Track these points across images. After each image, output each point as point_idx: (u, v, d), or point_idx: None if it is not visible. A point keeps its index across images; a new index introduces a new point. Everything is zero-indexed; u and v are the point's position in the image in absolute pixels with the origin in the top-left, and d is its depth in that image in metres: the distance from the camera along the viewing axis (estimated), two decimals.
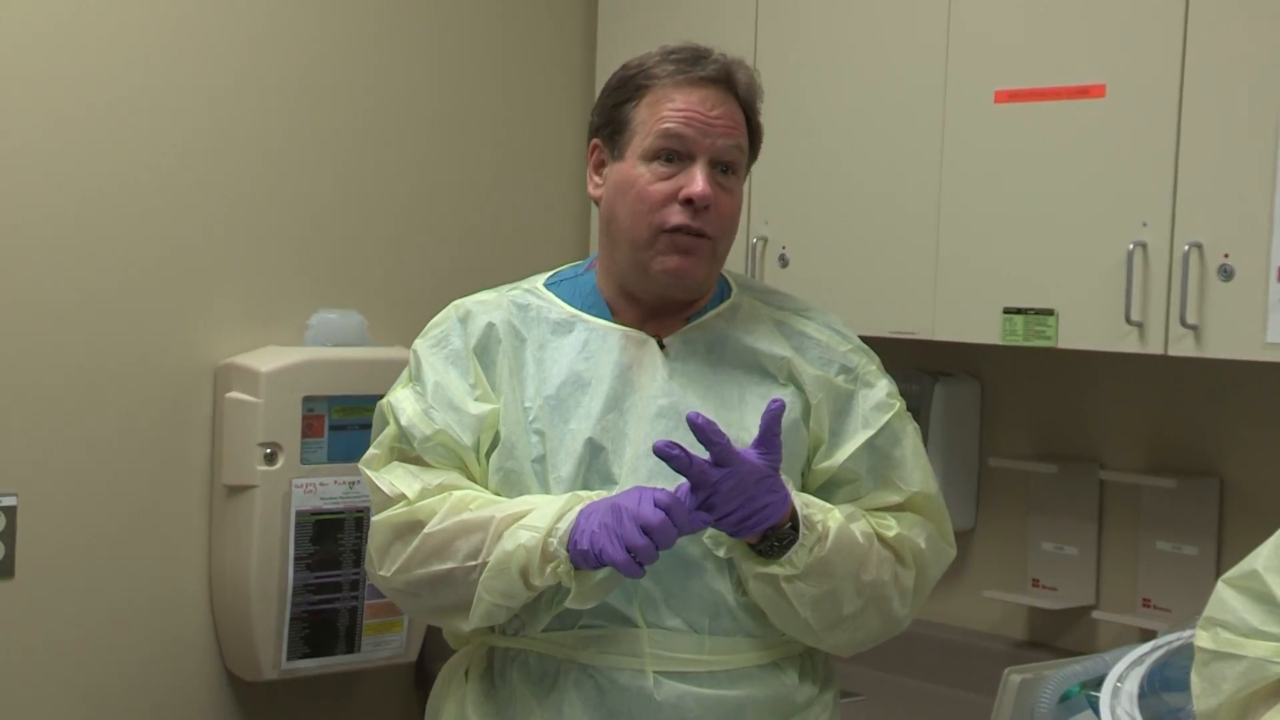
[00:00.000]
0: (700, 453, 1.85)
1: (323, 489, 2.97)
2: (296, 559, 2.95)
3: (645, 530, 1.79)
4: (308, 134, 3.14)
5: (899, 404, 2.09)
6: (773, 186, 3.06)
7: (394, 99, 3.26)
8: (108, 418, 2.91)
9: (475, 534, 1.90)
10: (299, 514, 2.94)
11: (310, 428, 2.96)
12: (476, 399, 2.00)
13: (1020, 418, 3.12)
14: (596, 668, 1.93)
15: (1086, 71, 2.58)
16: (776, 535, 1.89)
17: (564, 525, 1.85)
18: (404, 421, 2.00)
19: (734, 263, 3.12)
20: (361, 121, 3.21)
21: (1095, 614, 2.94)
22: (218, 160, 3.02)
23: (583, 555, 1.82)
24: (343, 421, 2.99)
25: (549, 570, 1.85)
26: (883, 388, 2.08)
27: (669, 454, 1.79)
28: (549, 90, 3.48)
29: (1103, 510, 2.97)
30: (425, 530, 1.93)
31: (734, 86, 2.03)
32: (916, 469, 2.06)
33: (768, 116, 3.12)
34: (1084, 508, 2.98)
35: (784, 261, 3.07)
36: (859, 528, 1.97)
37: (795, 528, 1.90)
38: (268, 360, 2.95)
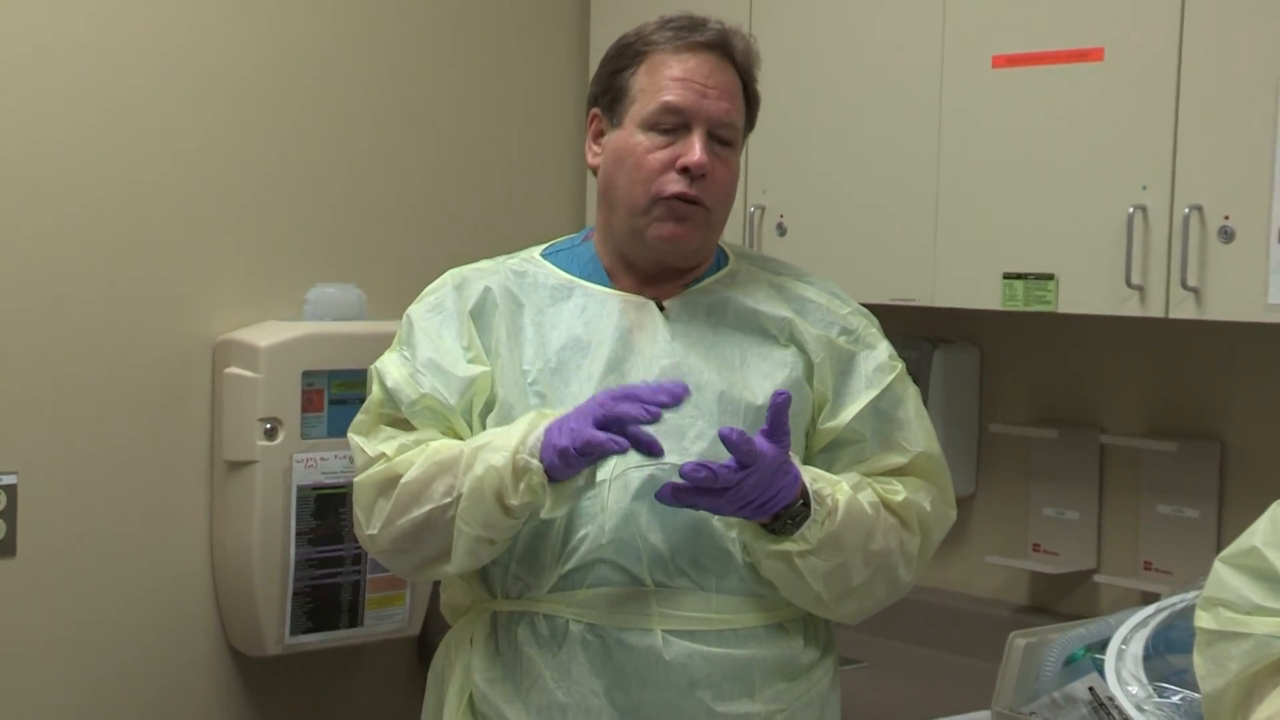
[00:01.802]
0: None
1: (323, 463, 2.96)
2: (298, 534, 2.95)
3: (621, 398, 1.80)
4: (304, 110, 3.13)
5: (900, 366, 2.10)
6: (770, 155, 3.06)
7: (390, 74, 3.24)
8: (108, 395, 2.90)
9: (447, 472, 1.91)
10: (300, 489, 2.94)
11: (310, 402, 2.95)
12: (469, 361, 2.00)
13: (1020, 383, 3.12)
14: (604, 627, 1.93)
15: (1084, 35, 2.58)
16: (789, 513, 1.91)
17: (532, 439, 1.85)
18: (390, 384, 2.01)
19: (732, 231, 3.11)
20: (357, 96, 3.20)
21: (1097, 578, 2.94)
22: (216, 138, 3.01)
23: (562, 455, 1.82)
24: (342, 396, 2.99)
25: (523, 486, 1.85)
26: (884, 349, 2.10)
27: (697, 477, 1.81)
28: (543, 63, 3.46)
29: (1103, 474, 2.98)
30: (402, 480, 1.94)
31: (731, 53, 2.05)
32: (920, 430, 2.08)
33: (765, 85, 3.10)
34: (1084, 472, 2.99)
35: (782, 230, 3.06)
36: (866, 498, 1.98)
37: (806, 504, 1.91)
38: (266, 335, 2.94)
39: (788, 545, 1.91)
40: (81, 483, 2.88)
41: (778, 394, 1.86)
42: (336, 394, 2.99)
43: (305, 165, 3.13)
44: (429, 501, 1.92)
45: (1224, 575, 1.68)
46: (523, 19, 3.44)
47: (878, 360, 2.08)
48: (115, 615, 2.94)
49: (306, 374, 2.95)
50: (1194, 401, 2.86)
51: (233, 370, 2.95)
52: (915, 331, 3.15)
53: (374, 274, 3.19)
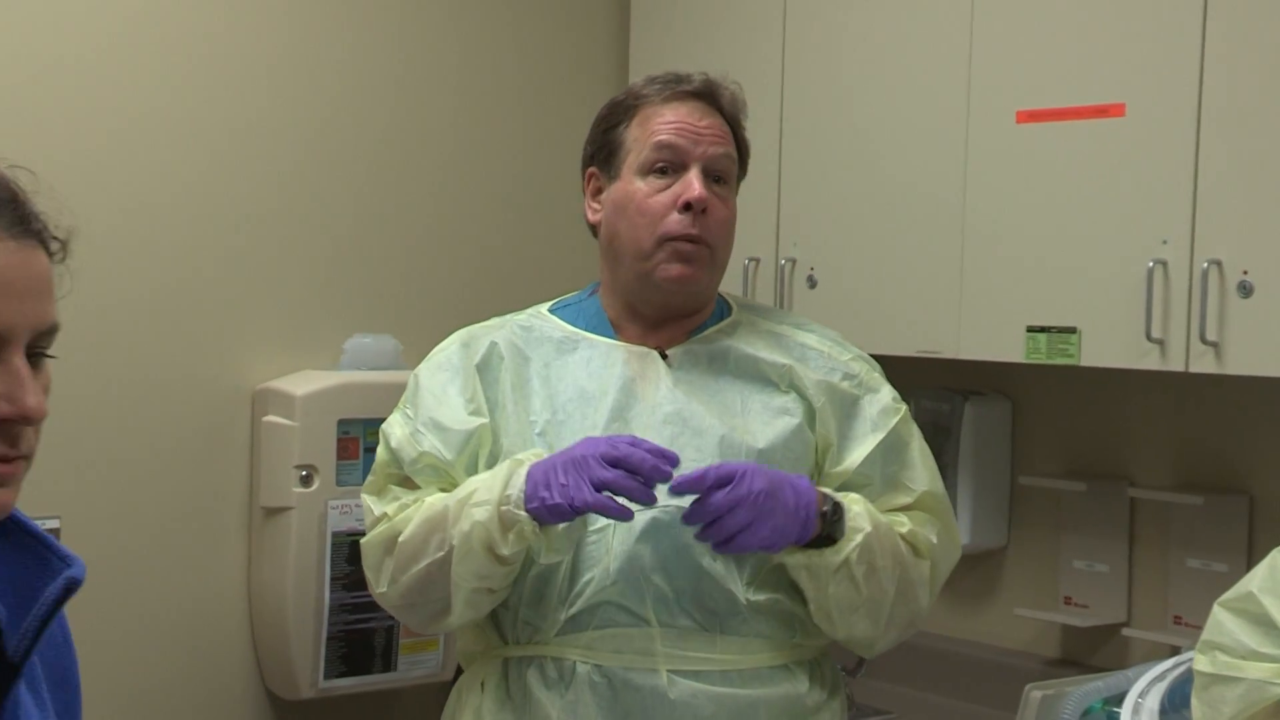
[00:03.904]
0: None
1: (358, 510, 2.99)
2: (333, 579, 2.99)
3: (614, 463, 1.86)
4: (342, 160, 3.19)
5: (904, 408, 2.15)
6: (801, 207, 3.10)
7: (427, 125, 3.31)
8: (148, 441, 2.97)
9: (438, 528, 1.97)
10: (335, 534, 2.99)
11: (345, 450, 3.01)
12: (470, 414, 2.05)
13: (1051, 436, 3.12)
14: (610, 668, 1.97)
15: (1106, 91, 2.60)
16: (827, 521, 1.96)
17: (514, 490, 1.90)
18: (393, 444, 2.09)
19: (764, 282, 3.16)
20: (394, 146, 3.26)
21: (1126, 631, 2.94)
22: (254, 187, 3.08)
23: (550, 510, 1.88)
24: (377, 444, 3.03)
25: (512, 537, 1.90)
26: (887, 393, 2.15)
27: (689, 480, 1.88)
28: (580, 114, 3.51)
29: (1133, 527, 2.98)
30: (400, 539, 2.01)
31: (718, 100, 2.12)
32: (925, 469, 2.13)
33: (796, 139, 3.17)
34: (1114, 525, 2.99)
35: (812, 282, 3.09)
36: (876, 511, 2.04)
37: (833, 506, 1.97)
38: (303, 384, 3.00)
39: (838, 549, 1.95)
40: (123, 527, 2.94)
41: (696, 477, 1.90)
42: (371, 442, 3.04)
43: (344, 218, 3.19)
44: (425, 557, 1.98)
45: (1221, 619, 1.70)
46: (560, 70, 3.49)
47: (882, 403, 2.12)
48: (154, 657, 2.99)
49: (342, 422, 3.01)
50: (1222, 455, 2.86)
51: (270, 418, 3.01)
52: (946, 384, 3.17)
53: (410, 324, 3.25)
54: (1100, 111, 2.61)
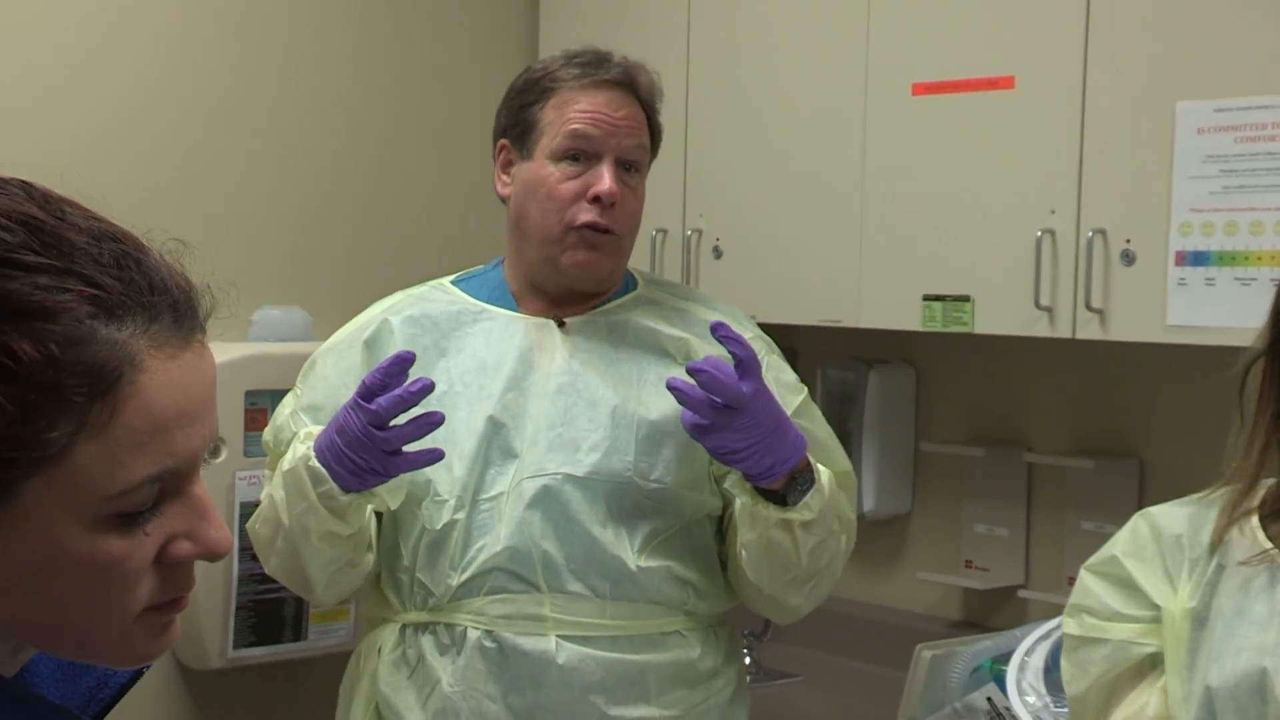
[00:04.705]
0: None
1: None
2: (241, 549, 3.00)
3: (379, 424, 1.90)
4: (250, 132, 3.20)
5: (805, 389, 2.18)
6: (706, 180, 3.13)
7: (337, 99, 3.32)
8: None
9: (278, 527, 2.03)
10: (243, 505, 3.00)
11: (253, 421, 3.02)
12: (347, 388, 2.07)
13: (954, 403, 3.18)
14: (500, 633, 2.01)
15: (997, 64, 2.65)
16: (800, 479, 1.98)
17: (326, 484, 1.95)
18: (277, 423, 2.14)
19: (671, 255, 3.20)
20: (306, 121, 3.27)
21: (1023, 593, 3.01)
22: (160, 158, 3.08)
23: (366, 483, 1.95)
24: None
25: (352, 514, 1.97)
26: (789, 372, 2.18)
27: (696, 368, 1.89)
28: (491, 90, 3.52)
29: (1031, 492, 3.04)
30: (256, 526, 2.09)
31: (636, 88, 2.13)
32: (838, 448, 2.16)
33: (702, 114, 3.20)
34: (1013, 490, 3.05)
35: (718, 253, 3.13)
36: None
37: (809, 471, 2.00)
38: None
39: (792, 514, 1.98)
40: None
41: (708, 360, 1.93)
42: None
43: (253, 188, 3.20)
44: (274, 549, 2.05)
45: (1087, 583, 1.75)
46: (472, 47, 3.51)
47: (785, 380, 2.15)
48: None
49: (250, 393, 3.02)
50: (1113, 421, 2.92)
51: None
52: (852, 352, 3.22)
53: (320, 296, 3.26)
54: (991, 84, 2.66)
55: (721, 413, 1.91)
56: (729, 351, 1.92)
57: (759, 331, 2.20)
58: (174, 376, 0.94)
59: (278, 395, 3.03)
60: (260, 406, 3.04)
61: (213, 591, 2.99)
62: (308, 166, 3.28)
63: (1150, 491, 2.85)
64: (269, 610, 3.06)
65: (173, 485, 0.95)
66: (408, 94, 3.42)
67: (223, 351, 3.02)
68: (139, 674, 1.09)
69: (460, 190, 3.50)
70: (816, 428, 2.14)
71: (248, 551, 3.00)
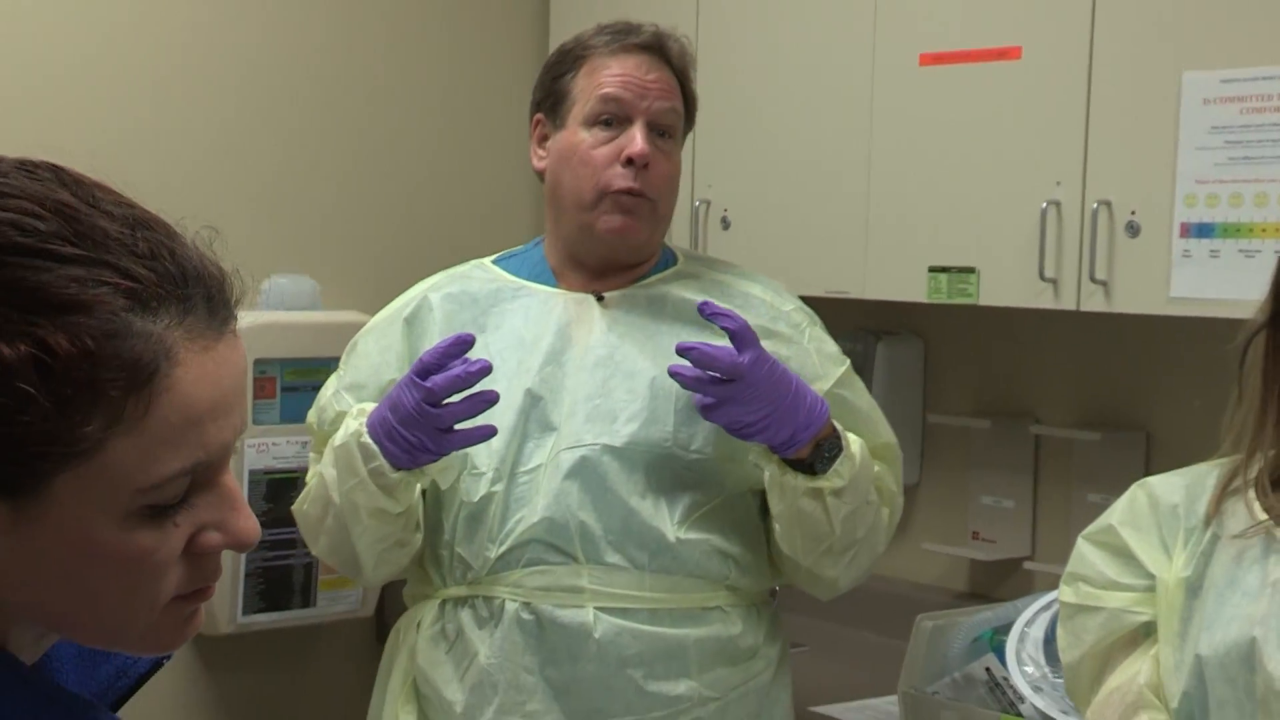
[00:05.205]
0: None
1: (275, 448, 3.05)
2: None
3: (432, 402, 1.90)
4: (261, 103, 3.21)
5: (848, 361, 2.16)
6: (715, 151, 3.13)
7: (348, 69, 3.32)
8: None
9: (328, 506, 2.03)
10: (252, 472, 3.03)
11: (262, 389, 3.04)
12: (387, 365, 2.08)
13: (962, 375, 3.18)
14: (538, 605, 1.99)
15: (1004, 34, 2.64)
16: (826, 446, 1.97)
17: (376, 460, 1.95)
18: (320, 404, 2.12)
19: (679, 224, 3.19)
20: (315, 91, 3.28)
21: (1029, 564, 3.01)
22: (171, 130, 3.09)
23: (417, 461, 1.94)
24: (295, 383, 3.08)
25: (400, 492, 1.96)
26: (831, 344, 2.15)
27: (686, 347, 1.89)
28: (500, 64, 3.54)
29: (1037, 464, 3.04)
30: (304, 507, 2.09)
31: (666, 54, 2.11)
32: (881, 420, 2.15)
33: (710, 85, 3.19)
34: (1019, 462, 3.05)
35: (726, 224, 3.13)
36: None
37: (837, 439, 1.98)
38: None
39: (823, 482, 1.96)
40: None
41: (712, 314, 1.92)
42: (289, 381, 3.08)
43: (261, 159, 3.21)
44: (322, 530, 2.05)
45: (1084, 551, 1.76)
46: (482, 19, 3.51)
47: (827, 351, 2.13)
48: None
49: (259, 362, 3.04)
50: (1120, 393, 2.92)
51: None
52: (860, 324, 3.22)
53: (328, 265, 3.28)
54: (998, 54, 2.65)
55: (722, 386, 1.90)
56: (720, 327, 1.92)
57: (800, 303, 2.18)
58: (208, 370, 0.92)
59: (286, 364, 3.08)
60: (269, 375, 3.06)
61: (222, 558, 3.01)
62: (318, 138, 3.29)
63: (1156, 464, 2.84)
64: (278, 577, 3.08)
65: (203, 477, 0.94)
66: (418, 66, 3.42)
67: None
68: (158, 664, 1.09)
69: (470, 161, 3.51)
70: (859, 399, 2.12)
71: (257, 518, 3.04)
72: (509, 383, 2.03)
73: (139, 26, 3.06)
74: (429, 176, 3.45)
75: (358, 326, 3.10)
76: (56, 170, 0.94)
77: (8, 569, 0.91)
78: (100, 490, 0.89)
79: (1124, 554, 1.72)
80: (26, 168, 0.93)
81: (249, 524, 0.97)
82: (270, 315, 3.10)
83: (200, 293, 0.93)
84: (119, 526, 0.91)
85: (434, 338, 2.06)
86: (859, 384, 2.15)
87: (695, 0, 3.17)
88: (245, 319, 3.18)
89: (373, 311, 3.19)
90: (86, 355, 0.87)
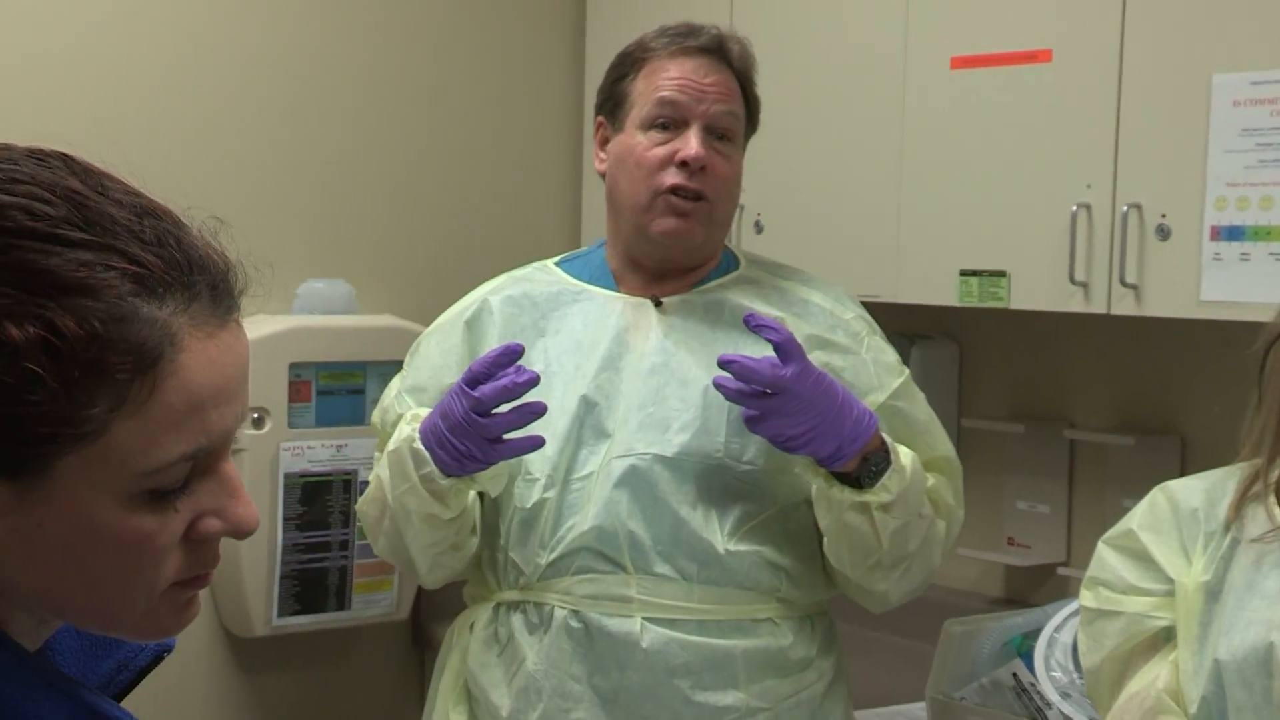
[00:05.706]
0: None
1: (310, 451, 3.08)
2: (285, 519, 3.06)
3: (481, 411, 1.90)
4: (296, 108, 3.23)
5: (907, 371, 2.13)
6: (748, 155, 3.07)
7: (387, 74, 3.34)
8: None
9: (384, 508, 2.03)
10: (287, 476, 3.05)
11: (297, 393, 3.06)
12: (447, 367, 2.08)
13: (995, 379, 3.17)
14: (587, 613, 1.99)
15: (1034, 36, 2.63)
16: (873, 460, 1.94)
17: (427, 467, 1.96)
18: (384, 405, 2.13)
19: None
20: (353, 95, 3.30)
21: (1063, 570, 2.99)
22: (208, 134, 3.12)
23: (466, 468, 1.95)
24: (330, 387, 3.10)
25: (451, 498, 1.97)
26: (890, 353, 2.12)
27: (727, 360, 1.88)
28: (539, 68, 3.56)
29: (1073, 469, 3.02)
30: (363, 508, 2.09)
31: (727, 56, 2.09)
32: (939, 432, 2.11)
33: None
34: (1054, 467, 3.03)
35: (759, 228, 3.13)
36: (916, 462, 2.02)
37: (886, 453, 1.95)
38: (255, 328, 3.04)
39: (869, 497, 1.93)
40: None
41: (758, 326, 1.91)
42: (324, 385, 3.10)
43: (297, 163, 3.24)
44: (380, 530, 2.06)
45: (1104, 556, 1.75)
46: (522, 24, 3.53)
47: (885, 362, 2.10)
48: None
49: (294, 365, 3.06)
50: (1156, 397, 2.90)
51: None
52: (895, 328, 3.21)
53: (363, 269, 3.30)
54: (1029, 57, 2.64)
55: (764, 399, 1.89)
56: (765, 339, 1.91)
57: (861, 311, 2.15)
58: (212, 356, 0.93)
59: (322, 367, 3.10)
60: (304, 379, 3.08)
61: (257, 560, 3.04)
62: (354, 144, 3.31)
63: (1191, 469, 2.82)
64: (313, 579, 3.10)
65: (205, 463, 0.95)
66: (454, 70, 3.44)
67: (267, 324, 3.07)
68: (159, 658, 1.09)
69: (506, 165, 3.52)
70: (917, 410, 2.09)
71: (292, 522, 3.07)
72: (565, 388, 2.03)
73: (172, 29, 3.08)
74: (465, 180, 3.47)
75: (393, 330, 3.15)
76: (66, 159, 0.96)
77: (9, 550, 0.92)
78: (103, 473, 0.91)
79: (1144, 558, 1.71)
80: (37, 155, 0.95)
81: (248, 511, 0.98)
82: (306, 319, 3.12)
83: (205, 280, 0.95)
84: (121, 509, 0.92)
85: (493, 341, 2.06)
86: (918, 395, 2.12)
87: (729, 4, 3.17)
88: (281, 323, 3.21)
89: (408, 316, 3.24)
90: (94, 338, 0.88)
